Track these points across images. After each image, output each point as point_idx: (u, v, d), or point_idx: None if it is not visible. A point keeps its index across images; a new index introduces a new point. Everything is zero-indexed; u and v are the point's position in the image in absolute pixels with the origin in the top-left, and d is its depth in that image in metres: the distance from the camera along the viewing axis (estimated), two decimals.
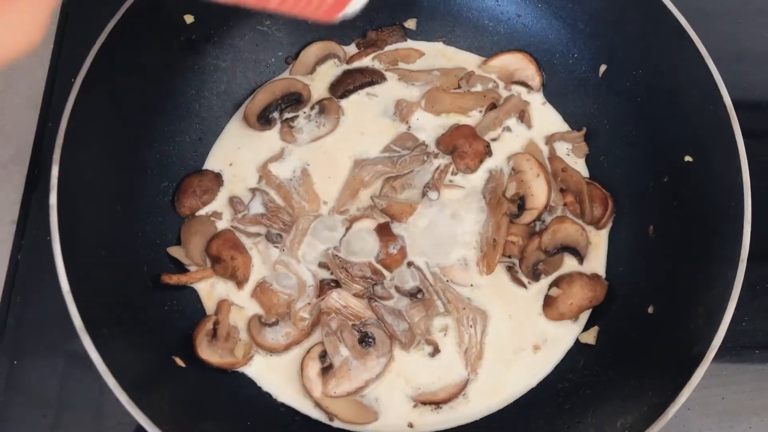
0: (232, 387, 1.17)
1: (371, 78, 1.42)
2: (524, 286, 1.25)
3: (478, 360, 1.20)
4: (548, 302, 1.24)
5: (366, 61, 1.44)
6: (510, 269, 1.26)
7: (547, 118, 1.40)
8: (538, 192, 1.28)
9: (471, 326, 1.20)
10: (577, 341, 1.22)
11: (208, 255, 1.26)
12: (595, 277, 1.26)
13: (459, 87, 1.41)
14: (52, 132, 1.42)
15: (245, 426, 1.13)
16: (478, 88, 1.41)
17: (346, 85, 1.41)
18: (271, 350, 1.20)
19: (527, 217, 1.28)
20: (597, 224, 1.30)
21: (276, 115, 1.38)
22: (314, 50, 1.43)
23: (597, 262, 1.29)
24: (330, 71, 1.44)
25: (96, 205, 1.14)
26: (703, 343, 0.99)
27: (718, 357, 0.99)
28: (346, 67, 1.44)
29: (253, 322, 1.22)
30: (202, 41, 1.34)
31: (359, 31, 1.47)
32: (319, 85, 1.43)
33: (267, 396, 1.18)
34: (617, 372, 1.14)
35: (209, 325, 1.19)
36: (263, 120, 1.37)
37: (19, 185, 1.40)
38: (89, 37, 1.20)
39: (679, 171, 1.20)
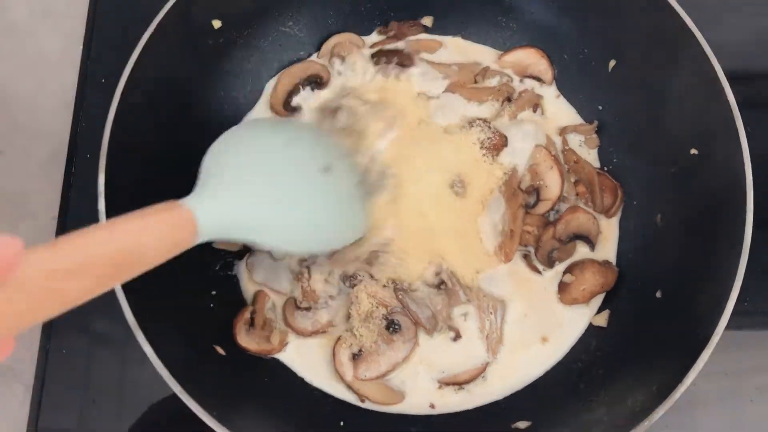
0: (269, 373, 1.26)
1: (402, 60, 1.47)
2: (539, 272, 1.33)
3: (498, 344, 1.28)
4: (562, 288, 1.32)
5: (399, 44, 1.49)
6: (526, 257, 1.34)
7: (560, 111, 1.46)
8: (552, 183, 1.35)
9: (492, 313, 1.28)
10: (590, 325, 1.30)
11: None
12: (606, 263, 1.33)
13: (476, 82, 1.46)
14: (85, 132, 1.50)
15: (282, 407, 1.22)
16: (494, 82, 1.46)
17: (378, 57, 1.47)
18: (299, 333, 1.28)
19: (542, 207, 1.35)
20: (607, 213, 1.37)
21: (300, 100, 1.44)
22: (334, 40, 1.49)
23: (608, 249, 1.36)
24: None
25: (138, 207, 1.21)
26: (708, 328, 1.05)
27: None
28: (378, 47, 1.49)
29: (288, 303, 1.30)
30: (230, 45, 1.40)
31: (381, 19, 1.53)
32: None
33: (301, 380, 1.27)
34: (627, 353, 1.21)
35: (247, 315, 1.28)
36: (289, 107, 1.43)
37: (57, 183, 1.47)
38: (116, 37, 1.27)
39: (686, 163, 1.25)
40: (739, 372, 1.33)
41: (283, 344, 1.28)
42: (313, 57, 1.50)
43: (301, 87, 1.45)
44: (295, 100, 1.44)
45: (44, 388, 1.31)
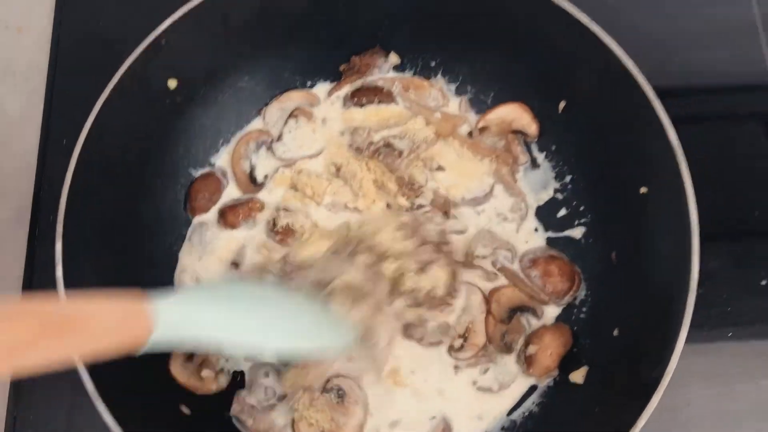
0: None
1: (381, 98, 1.50)
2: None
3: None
4: (530, 361, 1.30)
5: (387, 83, 1.51)
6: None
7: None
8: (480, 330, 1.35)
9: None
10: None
11: None
12: (556, 325, 1.34)
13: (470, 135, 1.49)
14: (47, 194, 1.50)
15: None
16: (488, 142, 1.48)
17: (358, 98, 1.50)
18: None
19: (468, 351, 1.33)
20: (560, 298, 1.37)
21: (261, 175, 1.48)
22: (293, 102, 1.52)
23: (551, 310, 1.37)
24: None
25: (98, 269, 1.23)
26: (659, 369, 1.06)
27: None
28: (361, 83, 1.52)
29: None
30: (187, 102, 1.41)
31: (335, 74, 1.54)
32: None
33: None
34: (586, 394, 1.23)
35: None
36: (254, 182, 1.47)
37: (22, 244, 1.48)
38: (78, 98, 1.28)
39: (636, 201, 1.26)
40: (702, 401, 1.35)
41: (210, 386, 1.28)
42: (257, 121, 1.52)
43: (253, 153, 1.48)
44: (259, 175, 1.48)
45: None
